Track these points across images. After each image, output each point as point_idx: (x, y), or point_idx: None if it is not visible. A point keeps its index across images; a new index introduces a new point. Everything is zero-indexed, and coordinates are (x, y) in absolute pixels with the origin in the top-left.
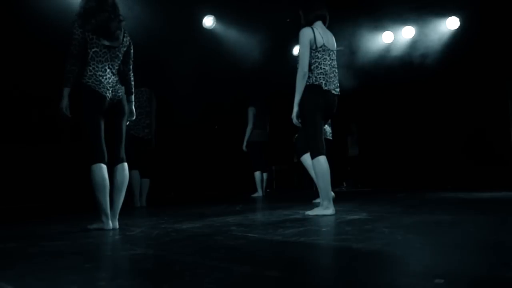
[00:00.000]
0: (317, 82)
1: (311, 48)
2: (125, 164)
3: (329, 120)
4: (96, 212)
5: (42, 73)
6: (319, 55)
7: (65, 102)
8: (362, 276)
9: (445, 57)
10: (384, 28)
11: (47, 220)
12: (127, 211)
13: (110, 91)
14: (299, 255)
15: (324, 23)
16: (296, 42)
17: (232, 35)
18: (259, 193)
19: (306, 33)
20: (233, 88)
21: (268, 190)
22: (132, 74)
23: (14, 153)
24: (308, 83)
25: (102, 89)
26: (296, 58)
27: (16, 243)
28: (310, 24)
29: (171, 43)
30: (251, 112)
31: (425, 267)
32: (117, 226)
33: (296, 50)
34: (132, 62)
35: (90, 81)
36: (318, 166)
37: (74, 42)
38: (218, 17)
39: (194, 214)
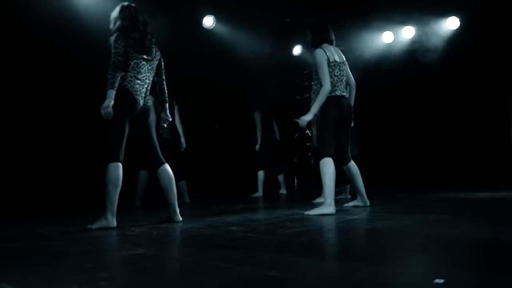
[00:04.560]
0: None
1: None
2: (167, 165)
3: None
4: (101, 210)
5: (39, 75)
6: (330, 70)
7: (111, 102)
8: (362, 276)
9: (445, 57)
10: (384, 28)
11: (47, 220)
12: (127, 211)
13: (142, 100)
14: (299, 255)
15: (330, 44)
16: (296, 42)
17: (233, 35)
18: (259, 193)
19: (320, 54)
20: (233, 88)
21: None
22: (165, 84)
23: (14, 154)
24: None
25: (137, 96)
26: (300, 58)
27: (16, 243)
28: (318, 45)
29: (171, 43)
30: (257, 116)
31: (425, 267)
32: (180, 219)
33: (296, 51)
34: (164, 73)
35: (129, 85)
36: (325, 167)
37: (117, 52)
38: (218, 17)
39: (194, 214)
